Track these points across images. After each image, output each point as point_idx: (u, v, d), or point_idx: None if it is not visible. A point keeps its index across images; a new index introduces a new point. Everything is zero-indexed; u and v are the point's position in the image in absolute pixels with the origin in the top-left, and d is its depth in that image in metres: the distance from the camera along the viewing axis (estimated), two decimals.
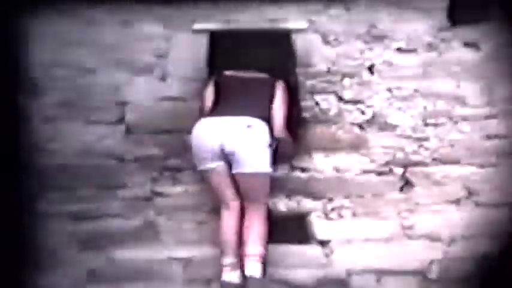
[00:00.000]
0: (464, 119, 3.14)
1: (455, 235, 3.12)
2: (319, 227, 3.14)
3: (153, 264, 3.10)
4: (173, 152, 3.13)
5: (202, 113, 3.01)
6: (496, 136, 3.13)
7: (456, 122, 3.14)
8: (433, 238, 3.12)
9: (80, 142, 3.11)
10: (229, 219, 2.92)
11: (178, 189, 3.14)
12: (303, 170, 3.16)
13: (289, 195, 3.15)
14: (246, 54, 3.10)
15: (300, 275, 3.11)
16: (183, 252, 3.12)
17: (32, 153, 3.08)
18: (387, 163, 3.14)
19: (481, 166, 3.13)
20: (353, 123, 3.15)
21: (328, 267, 3.13)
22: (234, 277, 2.86)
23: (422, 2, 3.12)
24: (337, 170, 3.15)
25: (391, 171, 3.15)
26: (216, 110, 2.96)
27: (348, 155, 3.15)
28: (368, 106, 3.15)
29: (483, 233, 3.10)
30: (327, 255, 3.14)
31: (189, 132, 3.06)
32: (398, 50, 3.15)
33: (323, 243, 3.14)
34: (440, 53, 3.13)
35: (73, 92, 3.11)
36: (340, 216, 3.15)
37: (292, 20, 3.12)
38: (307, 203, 3.15)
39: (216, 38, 3.13)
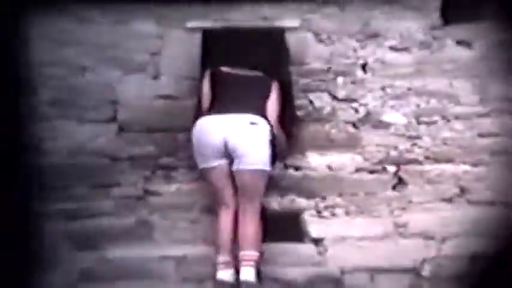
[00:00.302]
0: (457, 117, 3.15)
1: (448, 233, 3.13)
2: (312, 225, 3.14)
3: (146, 262, 3.09)
4: (166, 151, 3.12)
5: (199, 108, 3.00)
6: (488, 134, 3.14)
7: (449, 121, 3.15)
8: (426, 236, 3.13)
9: (73, 141, 3.09)
10: (226, 219, 2.92)
11: (172, 187, 3.13)
12: (297, 168, 3.16)
13: (282, 194, 3.14)
14: (239, 52, 3.09)
15: (294, 273, 3.11)
16: (176, 251, 3.11)
17: (25, 152, 3.07)
18: (380, 161, 3.15)
19: (474, 164, 3.13)
20: (346, 122, 3.15)
21: (321, 265, 3.13)
22: (228, 275, 2.86)
23: (415, 1, 3.13)
24: (331, 168, 3.15)
25: (384, 169, 3.15)
26: (215, 107, 2.96)
27: (341, 154, 3.15)
28: (361, 104, 3.15)
29: (476, 231, 3.11)
30: (320, 254, 3.14)
31: (182, 130, 3.08)
32: (392, 48, 3.15)
33: (316, 242, 3.14)
34: (433, 52, 3.14)
35: (65, 91, 3.09)
36: (334, 214, 3.15)
37: (285, 18, 3.11)
38: (300, 202, 3.15)
39: (209, 36, 3.12)
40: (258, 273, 2.91)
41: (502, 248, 3.07)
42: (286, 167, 3.15)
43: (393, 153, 3.15)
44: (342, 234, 3.13)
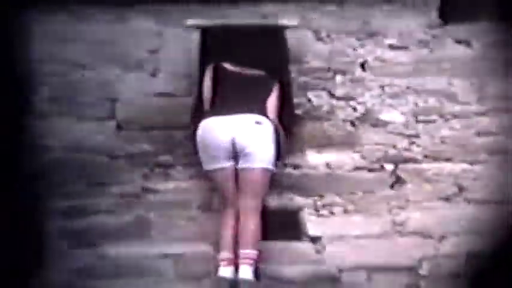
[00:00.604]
0: (455, 116, 3.15)
1: (446, 232, 3.13)
2: (310, 223, 3.14)
3: (144, 260, 3.09)
4: (164, 148, 3.12)
5: (199, 105, 3.00)
6: (487, 133, 3.14)
7: (447, 119, 3.15)
8: (424, 235, 3.13)
9: (71, 138, 3.09)
10: (229, 218, 2.92)
11: (170, 185, 3.13)
12: (295, 166, 3.16)
13: (281, 192, 3.14)
14: (238, 50, 3.08)
15: (291, 271, 3.11)
16: (174, 249, 3.10)
17: (23, 149, 3.06)
18: (379, 160, 3.15)
19: (472, 163, 3.14)
20: (345, 120, 3.15)
21: (319, 263, 3.13)
22: (229, 272, 2.86)
23: None
24: (329, 166, 3.16)
25: (382, 168, 3.15)
26: (218, 105, 2.96)
27: (339, 152, 3.15)
28: (360, 103, 3.15)
29: (474, 229, 3.12)
30: (318, 252, 3.14)
31: (181, 128, 3.08)
32: (391, 46, 3.15)
33: (314, 240, 3.14)
34: (431, 50, 3.14)
35: (64, 88, 3.09)
36: (332, 213, 3.15)
37: (284, 16, 3.11)
38: (298, 200, 3.15)
39: (207, 34, 3.11)
40: (256, 271, 2.91)
41: (500, 246, 3.08)
42: (284, 165, 3.14)
43: (391, 151, 3.15)
44: (340, 233, 3.13)
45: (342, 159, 3.15)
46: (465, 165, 3.14)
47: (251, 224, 2.88)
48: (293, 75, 3.14)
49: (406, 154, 3.15)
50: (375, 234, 3.13)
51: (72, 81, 3.10)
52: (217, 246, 2.98)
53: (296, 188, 3.15)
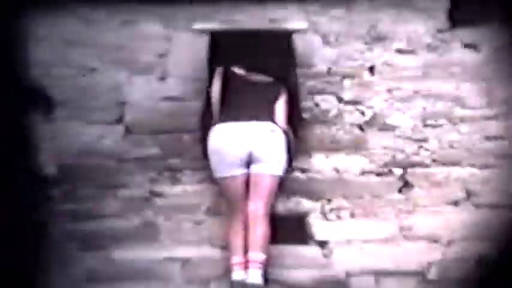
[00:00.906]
0: (464, 120, 3.14)
1: (454, 236, 3.12)
2: (318, 227, 3.14)
3: (152, 264, 3.09)
4: (172, 152, 3.13)
5: (208, 110, 3.00)
6: (495, 137, 3.13)
7: (455, 123, 3.14)
8: (432, 239, 3.12)
9: (80, 142, 3.10)
10: (238, 223, 2.94)
11: (178, 189, 3.13)
12: (303, 170, 3.15)
13: (288, 196, 3.14)
14: (246, 54, 3.10)
15: (299, 275, 3.11)
16: (181, 252, 3.11)
17: (32, 153, 3.07)
18: (386, 164, 3.14)
19: (480, 167, 3.13)
20: (353, 124, 3.15)
21: (327, 268, 3.12)
22: (243, 275, 2.88)
23: (423, 3, 3.12)
24: (337, 170, 3.15)
25: (390, 172, 3.15)
26: (228, 111, 2.97)
27: (347, 156, 3.15)
28: (368, 107, 3.15)
29: (482, 234, 3.10)
30: (325, 256, 3.13)
31: (189, 132, 3.08)
32: (399, 51, 3.15)
33: (322, 244, 3.14)
34: (440, 54, 3.14)
35: (73, 92, 3.10)
36: (339, 217, 3.15)
37: (292, 20, 3.11)
38: (306, 204, 3.15)
39: (216, 38, 3.12)
40: (265, 275, 2.91)
41: (508, 251, 3.07)
42: (292, 169, 3.14)
43: (399, 156, 3.14)
44: (347, 237, 3.13)
45: (350, 163, 3.15)
46: (473, 170, 3.13)
47: (260, 229, 2.90)
48: (301, 79, 3.14)
49: (414, 158, 3.14)
50: (382, 238, 3.13)
51: (81, 85, 3.11)
52: (225, 251, 2.99)
53: (303, 192, 3.14)
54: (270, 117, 2.97)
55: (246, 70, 3.08)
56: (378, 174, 3.15)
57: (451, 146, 3.14)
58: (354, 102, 3.15)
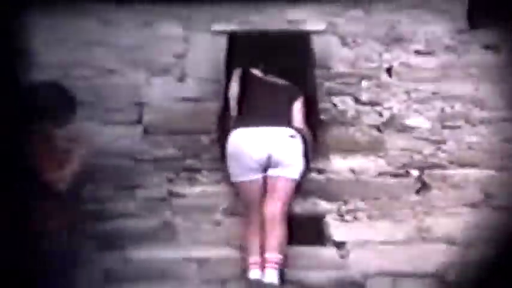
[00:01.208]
0: (482, 122, 3.13)
1: (472, 238, 3.10)
2: (335, 229, 3.14)
3: (170, 264, 3.10)
4: (190, 153, 3.14)
5: (227, 111, 3.01)
6: None
7: (474, 125, 3.14)
8: (449, 241, 3.12)
9: (98, 142, 3.09)
10: (255, 225, 2.96)
11: (195, 189, 3.14)
12: (320, 171, 3.16)
13: (305, 197, 3.14)
14: (265, 56, 3.10)
15: (316, 276, 3.11)
16: (199, 253, 3.12)
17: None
18: (404, 165, 3.14)
19: (499, 169, 3.11)
20: (370, 125, 3.15)
21: (343, 269, 3.12)
22: (259, 275, 2.89)
23: (441, 5, 3.12)
24: (354, 172, 3.15)
25: (408, 173, 3.14)
26: (247, 114, 2.99)
27: (364, 157, 3.15)
28: (386, 108, 3.15)
29: (500, 236, 3.09)
30: (342, 257, 3.13)
31: (207, 132, 3.10)
32: (417, 52, 3.15)
33: (339, 245, 3.14)
34: (459, 56, 3.13)
35: (91, 93, 3.11)
36: (356, 218, 3.14)
37: (311, 21, 3.12)
38: (323, 205, 3.15)
39: (234, 39, 3.13)
40: (281, 276, 2.92)
41: None
42: (309, 170, 3.14)
43: (417, 157, 3.14)
44: (364, 238, 3.13)
45: (367, 164, 3.15)
46: (492, 172, 3.12)
47: (277, 231, 2.91)
48: (318, 80, 3.14)
49: (432, 160, 3.13)
50: (399, 240, 3.12)
51: (100, 85, 3.13)
52: (242, 251, 3.00)
53: (320, 193, 3.15)
54: (289, 121, 2.98)
55: (264, 72, 3.08)
56: (395, 176, 3.14)
57: (469, 148, 3.13)
58: (372, 104, 3.15)
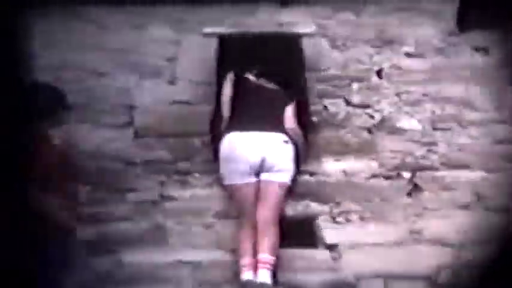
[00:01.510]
0: (473, 123, 3.15)
1: (464, 240, 3.10)
2: (327, 231, 3.14)
3: (162, 267, 3.09)
4: (182, 156, 3.14)
5: (219, 115, 3.02)
6: (504, 141, 3.13)
7: (465, 127, 3.15)
8: (441, 243, 3.12)
9: (89, 145, 3.11)
10: (248, 228, 2.97)
11: (187, 193, 3.14)
12: (311, 174, 3.16)
13: (297, 199, 3.14)
14: (255, 58, 3.11)
15: (308, 278, 3.10)
16: (191, 256, 3.11)
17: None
18: (396, 167, 3.14)
19: (490, 171, 3.12)
20: (361, 128, 3.16)
21: (336, 271, 3.12)
22: (252, 276, 2.90)
23: (432, 7, 3.13)
24: (346, 174, 3.15)
25: (399, 175, 3.15)
26: (240, 118, 3.00)
27: (356, 159, 3.15)
28: (376, 110, 3.16)
29: (492, 238, 3.09)
30: (334, 259, 3.13)
31: (198, 135, 3.10)
32: (407, 54, 3.16)
33: (331, 247, 3.13)
34: (449, 58, 3.15)
35: (82, 95, 3.11)
36: (348, 220, 3.14)
37: (301, 24, 3.13)
38: (315, 207, 3.15)
39: (225, 42, 3.13)
40: (274, 278, 2.91)
41: None
42: (301, 172, 3.15)
43: (408, 159, 3.14)
44: (356, 240, 3.13)
45: (359, 166, 3.15)
46: (483, 173, 3.13)
47: (270, 235, 2.93)
48: (309, 82, 3.15)
49: (423, 162, 3.14)
50: (391, 242, 3.12)
51: (91, 88, 3.13)
52: (234, 253, 2.99)
53: (312, 196, 3.15)
54: (282, 127, 3.00)
55: (257, 77, 3.09)
56: (387, 178, 3.15)
57: (460, 150, 3.14)
58: (363, 106, 3.16)
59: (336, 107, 3.16)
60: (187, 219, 3.13)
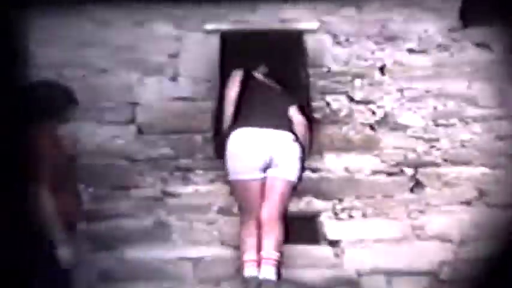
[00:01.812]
0: (476, 119, 3.14)
1: (466, 236, 3.11)
2: (329, 227, 3.14)
3: (164, 263, 3.10)
4: (184, 152, 3.14)
5: (223, 111, 3.02)
6: (507, 137, 3.13)
7: (467, 123, 3.14)
8: (443, 239, 3.12)
9: (92, 142, 3.12)
10: (252, 224, 2.95)
11: (189, 189, 3.14)
12: (314, 170, 3.16)
13: (299, 196, 3.14)
14: (257, 55, 3.11)
15: (310, 275, 3.11)
16: (193, 252, 3.12)
17: None
18: (398, 164, 3.14)
19: (492, 167, 3.12)
20: (364, 124, 3.16)
21: (338, 267, 3.13)
22: (255, 271, 2.89)
23: (434, 3, 3.13)
24: (348, 170, 3.16)
25: (401, 171, 3.15)
26: (247, 115, 2.98)
27: (358, 156, 3.15)
28: (379, 106, 3.16)
29: (494, 234, 3.09)
30: (337, 256, 3.13)
31: (200, 132, 3.10)
32: (410, 50, 3.16)
33: (333, 244, 3.14)
34: (451, 54, 3.14)
35: (85, 92, 3.10)
36: (351, 216, 3.15)
37: (303, 20, 3.13)
38: (317, 203, 3.15)
39: (227, 38, 3.13)
40: (278, 273, 2.92)
41: None
42: (303, 168, 3.14)
43: (411, 155, 3.14)
44: (359, 237, 3.13)
45: (361, 163, 3.15)
46: (485, 169, 3.13)
47: (274, 232, 2.91)
48: (312, 79, 3.15)
49: (426, 158, 3.14)
50: (394, 238, 3.12)
51: (93, 85, 3.13)
52: (237, 250, 3.00)
53: (315, 192, 3.15)
54: (289, 125, 2.99)
55: (265, 76, 3.09)
56: (389, 174, 3.15)
57: (463, 146, 3.14)
58: (365, 102, 3.16)
59: (339, 103, 3.16)
60: (190, 216, 3.13)
